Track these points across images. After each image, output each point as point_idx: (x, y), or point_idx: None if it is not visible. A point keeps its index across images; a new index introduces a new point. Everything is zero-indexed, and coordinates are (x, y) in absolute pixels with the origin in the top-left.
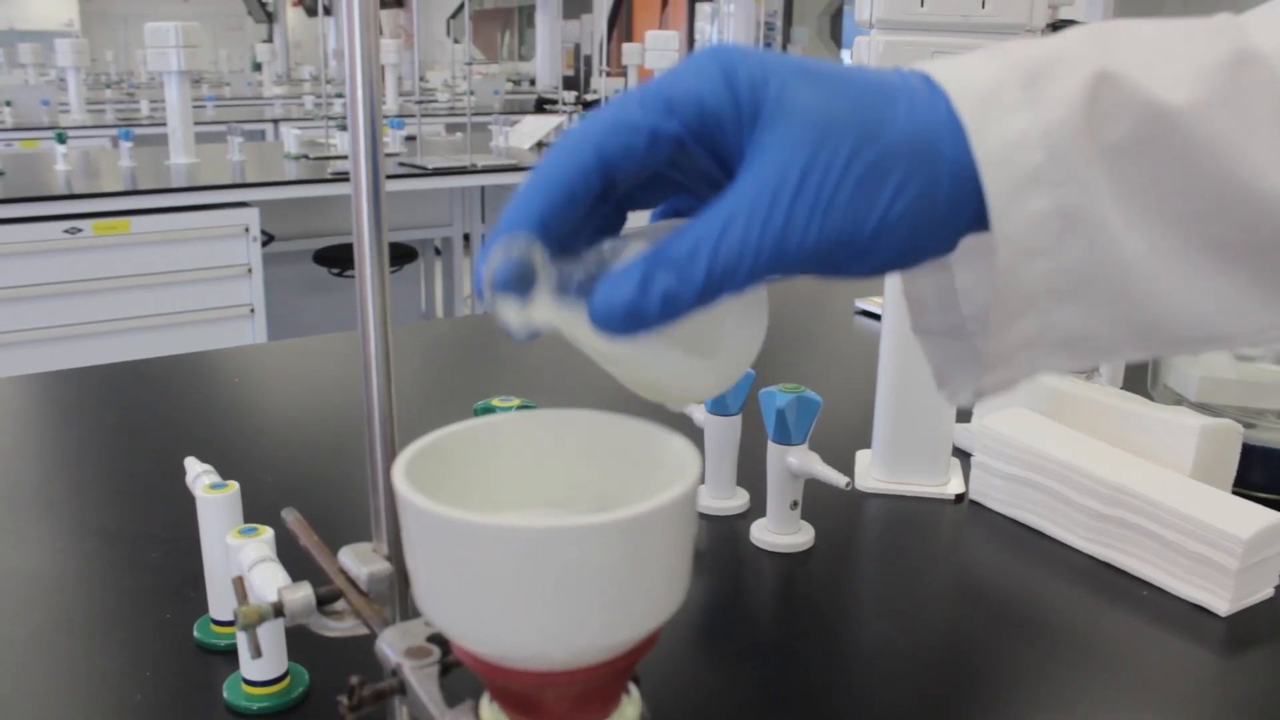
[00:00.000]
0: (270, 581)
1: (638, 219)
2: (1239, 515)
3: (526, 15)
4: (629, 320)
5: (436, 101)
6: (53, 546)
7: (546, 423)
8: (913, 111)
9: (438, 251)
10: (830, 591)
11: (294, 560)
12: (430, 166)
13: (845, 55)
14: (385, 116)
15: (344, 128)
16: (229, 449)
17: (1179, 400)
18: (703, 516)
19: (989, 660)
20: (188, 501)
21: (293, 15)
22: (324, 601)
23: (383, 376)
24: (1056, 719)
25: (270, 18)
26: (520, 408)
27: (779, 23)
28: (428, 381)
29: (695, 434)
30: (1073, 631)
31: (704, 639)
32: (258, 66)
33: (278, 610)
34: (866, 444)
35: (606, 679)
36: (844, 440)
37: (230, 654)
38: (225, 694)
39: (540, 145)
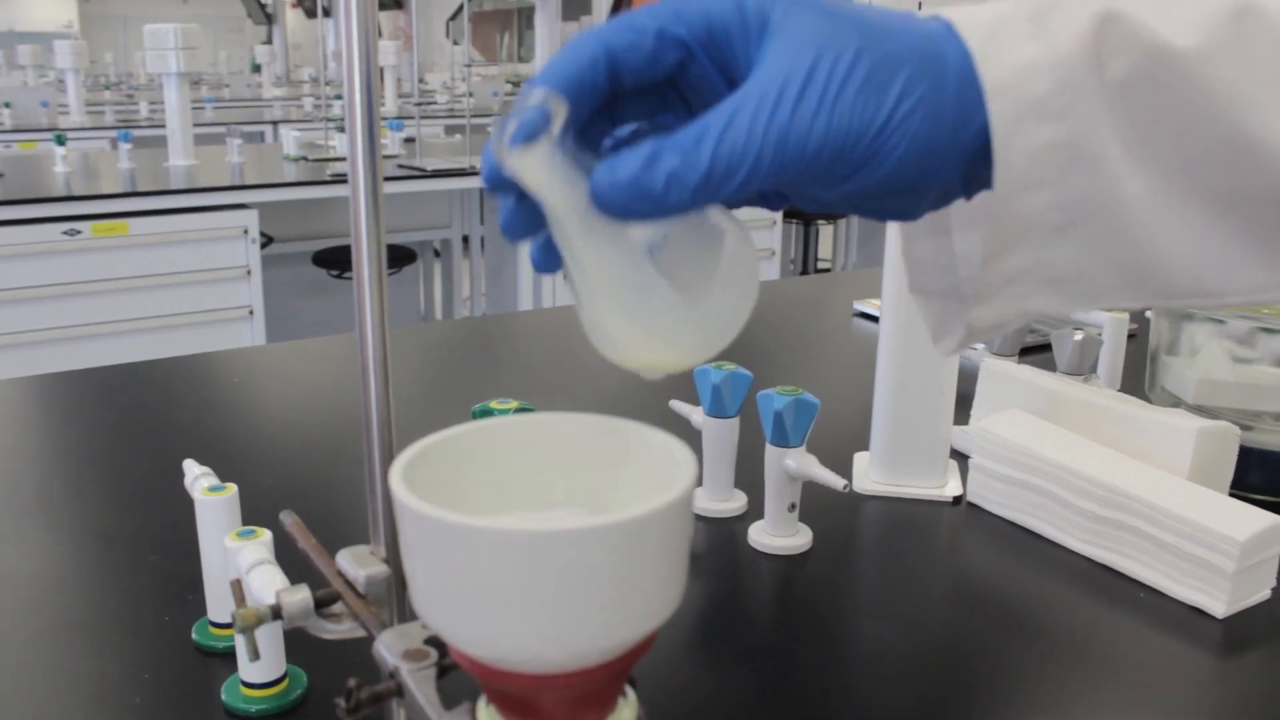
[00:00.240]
0: (268, 584)
1: None
2: (1236, 517)
3: (526, 17)
4: (631, 194)
5: (435, 103)
6: (51, 549)
7: (544, 426)
8: (919, 32)
9: (436, 253)
10: (828, 594)
11: (292, 563)
12: (429, 168)
13: None
14: (384, 118)
15: (343, 129)
16: (227, 451)
17: (1176, 402)
18: (700, 519)
19: (987, 662)
20: (186, 504)
21: (292, 17)
22: (322, 604)
23: (381, 380)
24: None
25: (269, 19)
26: (518, 410)
27: None
28: (426, 383)
29: (693, 436)
30: (1070, 633)
31: (701, 641)
32: (257, 68)
33: (276, 613)
34: (864, 446)
35: (603, 681)
36: (842, 442)
37: (229, 656)
38: (224, 696)
39: None
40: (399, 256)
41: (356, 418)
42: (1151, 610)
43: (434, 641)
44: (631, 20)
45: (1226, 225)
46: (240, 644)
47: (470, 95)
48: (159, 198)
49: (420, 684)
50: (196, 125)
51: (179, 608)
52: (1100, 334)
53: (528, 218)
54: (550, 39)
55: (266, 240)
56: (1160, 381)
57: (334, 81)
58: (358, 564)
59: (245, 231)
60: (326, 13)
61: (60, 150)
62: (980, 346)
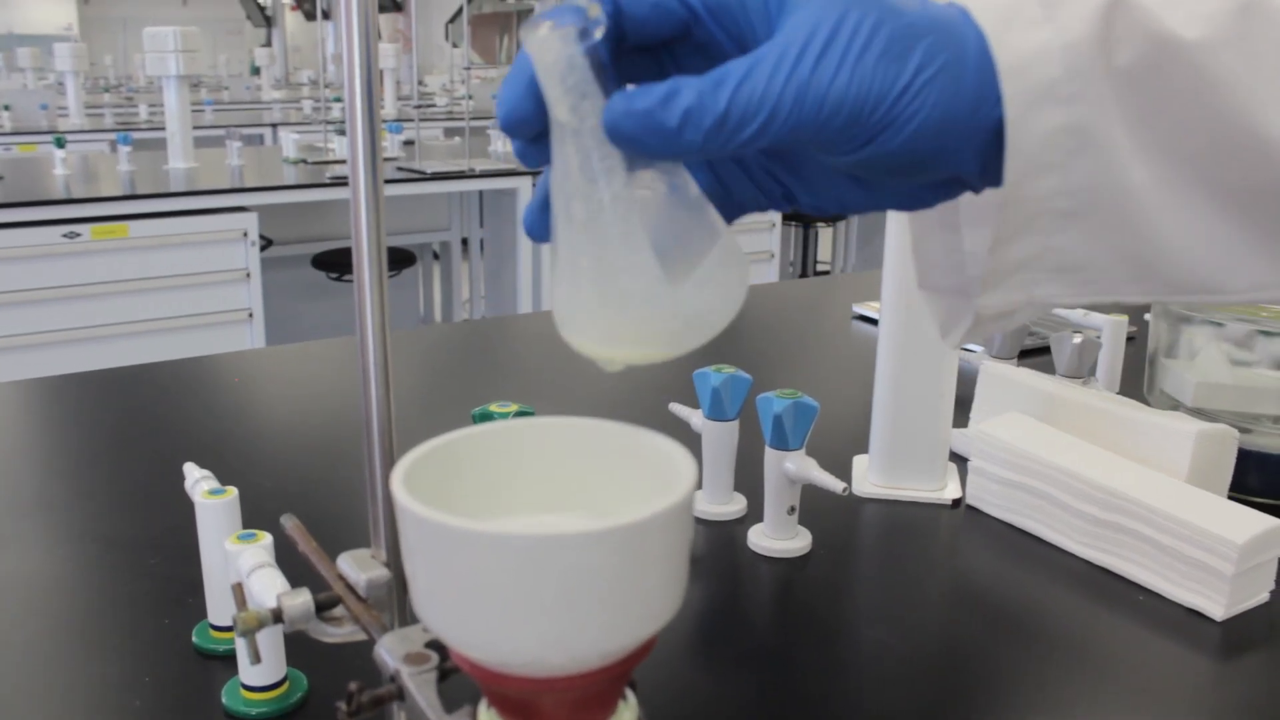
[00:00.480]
0: (269, 587)
1: None
2: (1235, 520)
3: (525, 19)
4: (645, 123)
5: (435, 106)
6: (51, 552)
7: (544, 430)
8: (936, 13)
9: (436, 256)
10: (827, 597)
11: (293, 566)
12: (428, 171)
13: None
14: (383, 121)
15: (342, 132)
16: (227, 454)
17: (1175, 405)
18: (700, 522)
19: (986, 665)
20: (186, 507)
21: (291, 19)
22: (323, 607)
23: (381, 383)
24: None
25: (269, 22)
26: (518, 413)
27: None
28: (426, 387)
29: (693, 439)
30: (1069, 636)
31: (701, 644)
32: (256, 71)
33: (277, 616)
34: (864, 449)
35: (604, 684)
36: (841, 445)
37: (229, 659)
38: (224, 699)
39: None
40: (398, 259)
41: (357, 421)
42: (1150, 613)
43: (435, 645)
44: None
45: (1232, 219)
46: (241, 647)
47: (469, 98)
48: (158, 200)
49: (421, 687)
50: (196, 128)
51: (179, 611)
52: (1099, 337)
53: (540, 156)
54: None
55: (266, 243)
56: (1159, 384)
57: (333, 84)
58: (359, 567)
59: (245, 234)
60: (326, 15)
61: (60, 153)
62: (980, 349)
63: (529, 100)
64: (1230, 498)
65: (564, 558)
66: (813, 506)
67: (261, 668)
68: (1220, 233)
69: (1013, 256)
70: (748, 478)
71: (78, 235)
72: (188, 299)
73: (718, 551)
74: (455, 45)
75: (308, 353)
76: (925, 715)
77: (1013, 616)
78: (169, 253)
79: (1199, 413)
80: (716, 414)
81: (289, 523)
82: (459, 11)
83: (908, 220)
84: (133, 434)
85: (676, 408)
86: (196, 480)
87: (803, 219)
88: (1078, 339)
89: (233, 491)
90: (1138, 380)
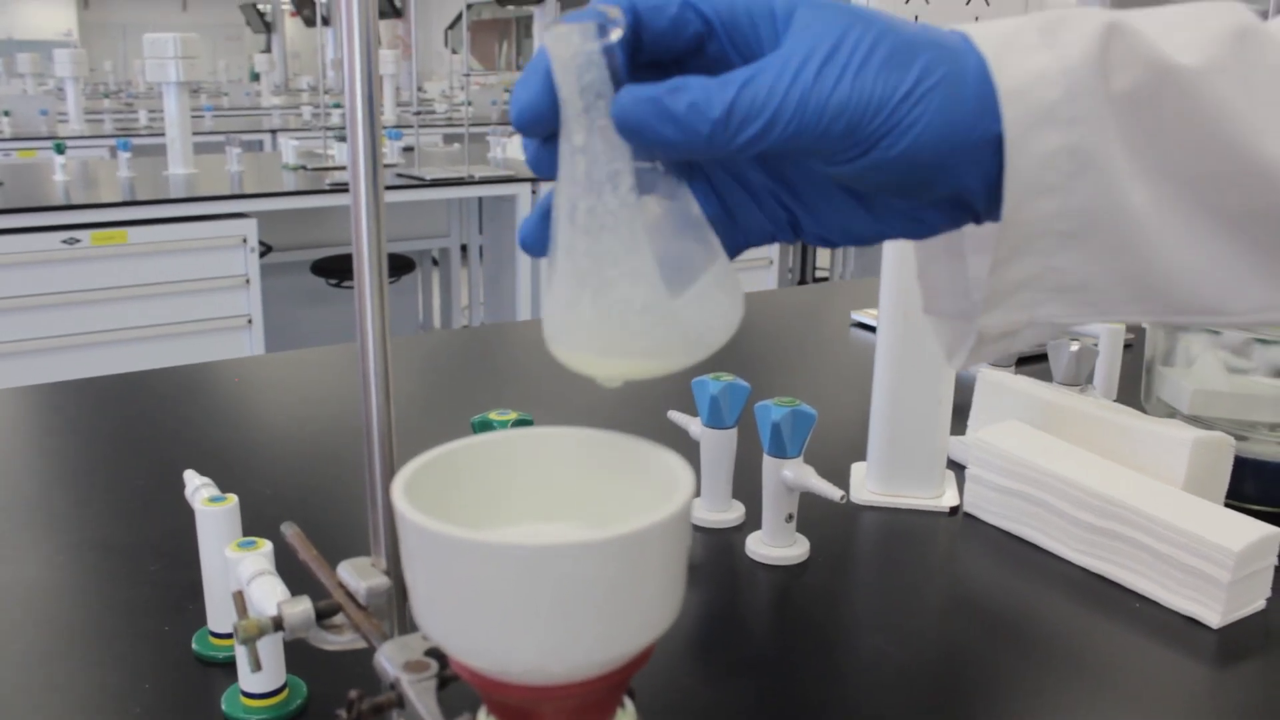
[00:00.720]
0: (269, 595)
1: None
2: (1231, 528)
3: (524, 25)
4: (652, 110)
5: (434, 112)
6: (51, 559)
7: (543, 440)
8: (937, 35)
9: (435, 262)
10: (825, 604)
11: (292, 574)
12: (428, 177)
13: None
14: (383, 127)
15: (342, 138)
16: (227, 461)
17: (1172, 413)
18: (698, 529)
19: (984, 672)
20: (185, 513)
21: (291, 26)
22: (323, 615)
23: (382, 392)
24: None
25: (268, 28)
26: (517, 421)
27: None
28: (425, 394)
29: (691, 447)
30: (1066, 643)
31: (699, 652)
32: (256, 77)
33: (277, 624)
34: (861, 457)
35: (602, 692)
36: (839, 453)
37: (229, 666)
38: (224, 706)
39: None
40: (397, 265)
41: (356, 428)
42: (1147, 620)
43: (434, 653)
44: None
45: (1233, 242)
46: (241, 655)
47: (469, 104)
48: (158, 206)
49: (421, 695)
50: (196, 134)
51: (179, 618)
52: (1096, 344)
53: (552, 160)
54: None
55: (265, 249)
56: (1156, 392)
57: (332, 90)
58: (359, 575)
59: (244, 240)
60: (325, 21)
61: (59, 159)
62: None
63: (544, 98)
64: (1227, 505)
65: (562, 567)
66: (811, 514)
67: (261, 675)
68: (1221, 256)
69: (1013, 276)
70: (746, 485)
71: (77, 241)
72: (187, 305)
73: (716, 559)
74: (455, 52)
75: (307, 359)
76: None
77: (1010, 623)
78: (168, 259)
79: (1196, 420)
80: (715, 422)
81: (289, 530)
82: (458, 18)
83: (913, 248)
84: (132, 440)
85: (675, 415)
86: (197, 487)
87: None
88: (1075, 347)
89: (233, 499)
90: (1135, 388)
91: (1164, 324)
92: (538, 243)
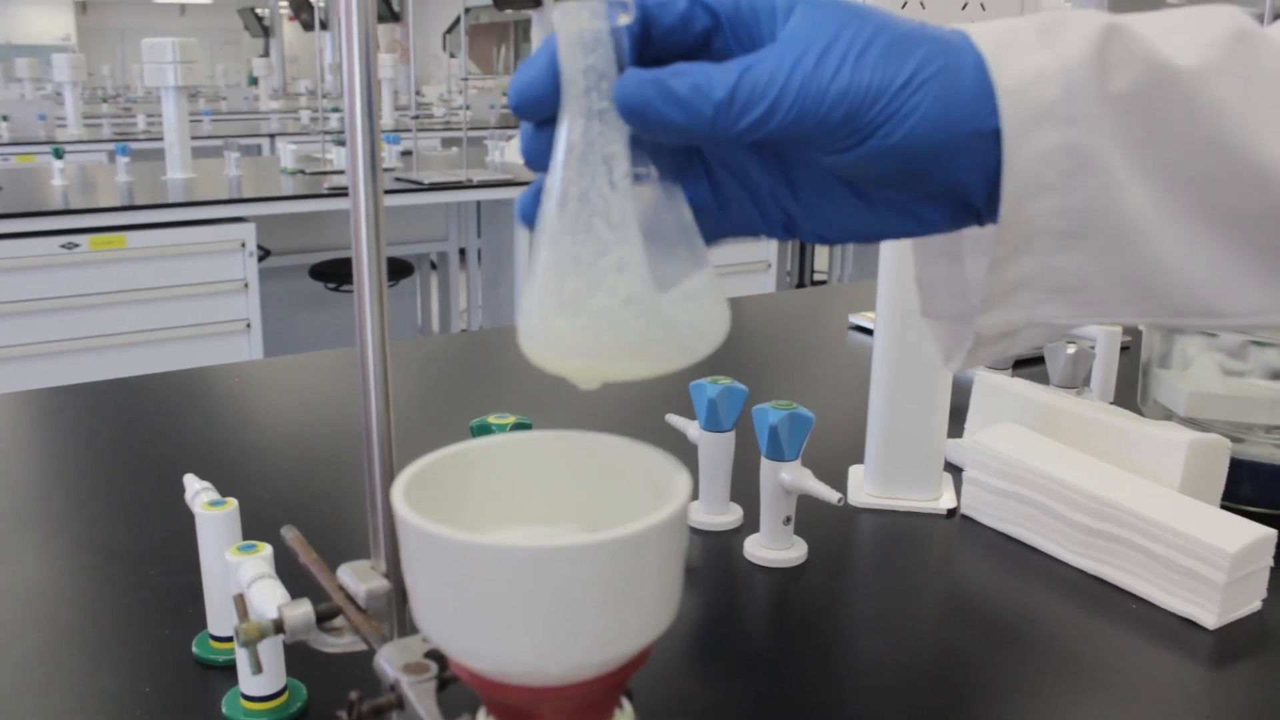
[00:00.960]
0: (269, 598)
1: None
2: (1227, 529)
3: (522, 29)
4: (656, 90)
5: (432, 116)
6: (50, 563)
7: (542, 444)
8: (936, 32)
9: (433, 266)
10: (823, 606)
11: (293, 577)
12: (426, 181)
13: None
14: (382, 131)
15: (340, 143)
16: (226, 465)
17: (1168, 415)
18: (696, 532)
19: (981, 674)
20: (185, 517)
21: (289, 30)
22: (323, 618)
23: (381, 396)
24: None
25: (267, 32)
26: (515, 425)
27: None
28: (424, 398)
29: (689, 450)
30: (1063, 645)
31: (697, 653)
32: (254, 81)
33: (278, 626)
34: (859, 459)
35: (600, 693)
36: (837, 455)
37: (229, 670)
38: (224, 709)
39: None
40: (396, 269)
41: (355, 432)
42: (1143, 621)
43: (434, 655)
44: None
45: (1231, 244)
46: (242, 657)
47: (467, 108)
48: (157, 211)
49: (421, 696)
50: (194, 138)
51: (179, 621)
52: (1093, 347)
53: (545, 147)
54: None
55: (264, 253)
56: (1152, 394)
57: (331, 94)
58: (359, 578)
59: (243, 245)
60: (324, 26)
61: (58, 163)
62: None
63: (546, 79)
64: (1223, 507)
65: (561, 569)
66: (808, 517)
67: (261, 678)
68: (1219, 258)
69: (1011, 276)
70: (744, 488)
71: (76, 246)
72: (186, 309)
73: (714, 561)
74: (453, 56)
75: (305, 364)
76: None
77: (1007, 625)
78: (167, 263)
79: (1192, 422)
80: (713, 425)
81: (289, 534)
82: (456, 21)
83: (911, 249)
84: (131, 445)
85: (673, 419)
86: (197, 492)
87: None
88: (1072, 349)
89: (233, 503)
90: (1131, 390)
91: (1161, 326)
92: (539, 156)
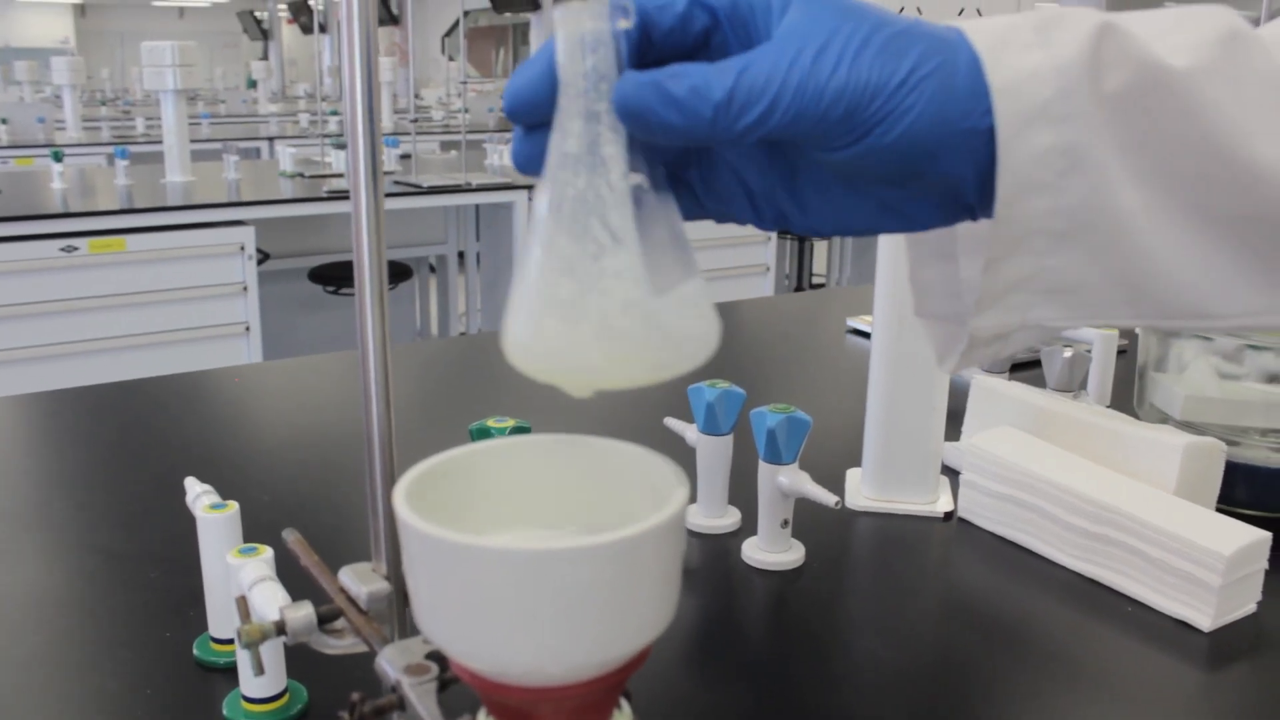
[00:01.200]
0: (271, 600)
1: None
2: (1222, 532)
3: (521, 33)
4: (654, 92)
5: (431, 119)
6: (51, 566)
7: (541, 447)
8: (931, 29)
9: (432, 269)
10: (821, 609)
11: (293, 579)
12: (425, 185)
13: None
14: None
15: (340, 146)
16: (226, 469)
17: (1164, 419)
18: (694, 535)
19: (979, 676)
20: (186, 520)
21: (288, 33)
22: (324, 620)
23: (382, 399)
24: None
25: (265, 36)
26: (515, 429)
27: None
28: (423, 401)
29: (687, 453)
30: (1059, 647)
31: (695, 656)
32: (253, 84)
33: (280, 628)
34: (856, 462)
35: (600, 694)
36: (834, 459)
37: (230, 671)
38: (225, 711)
39: None
40: (395, 273)
41: (356, 435)
42: (1139, 624)
43: (435, 656)
44: None
45: (1223, 246)
46: (243, 659)
47: (466, 111)
48: (156, 214)
49: (422, 697)
50: (193, 141)
51: (179, 624)
52: (1089, 351)
53: (536, 152)
54: None
55: (263, 256)
56: (1148, 398)
57: (330, 97)
58: (359, 580)
59: (242, 248)
60: (323, 29)
61: (57, 166)
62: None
63: (543, 82)
64: (1218, 510)
65: (560, 571)
66: (806, 520)
67: (262, 680)
68: (1212, 259)
69: (1006, 276)
70: (742, 491)
71: (75, 249)
72: (185, 313)
73: (712, 564)
74: (452, 59)
75: (304, 367)
76: None
77: (1004, 628)
78: (166, 266)
79: (1188, 426)
80: (711, 429)
81: (290, 537)
82: (455, 25)
83: (905, 249)
84: (131, 448)
85: (671, 422)
86: (197, 495)
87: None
88: (1068, 353)
89: (234, 506)
90: (1128, 394)
91: (1155, 328)
92: (530, 160)
